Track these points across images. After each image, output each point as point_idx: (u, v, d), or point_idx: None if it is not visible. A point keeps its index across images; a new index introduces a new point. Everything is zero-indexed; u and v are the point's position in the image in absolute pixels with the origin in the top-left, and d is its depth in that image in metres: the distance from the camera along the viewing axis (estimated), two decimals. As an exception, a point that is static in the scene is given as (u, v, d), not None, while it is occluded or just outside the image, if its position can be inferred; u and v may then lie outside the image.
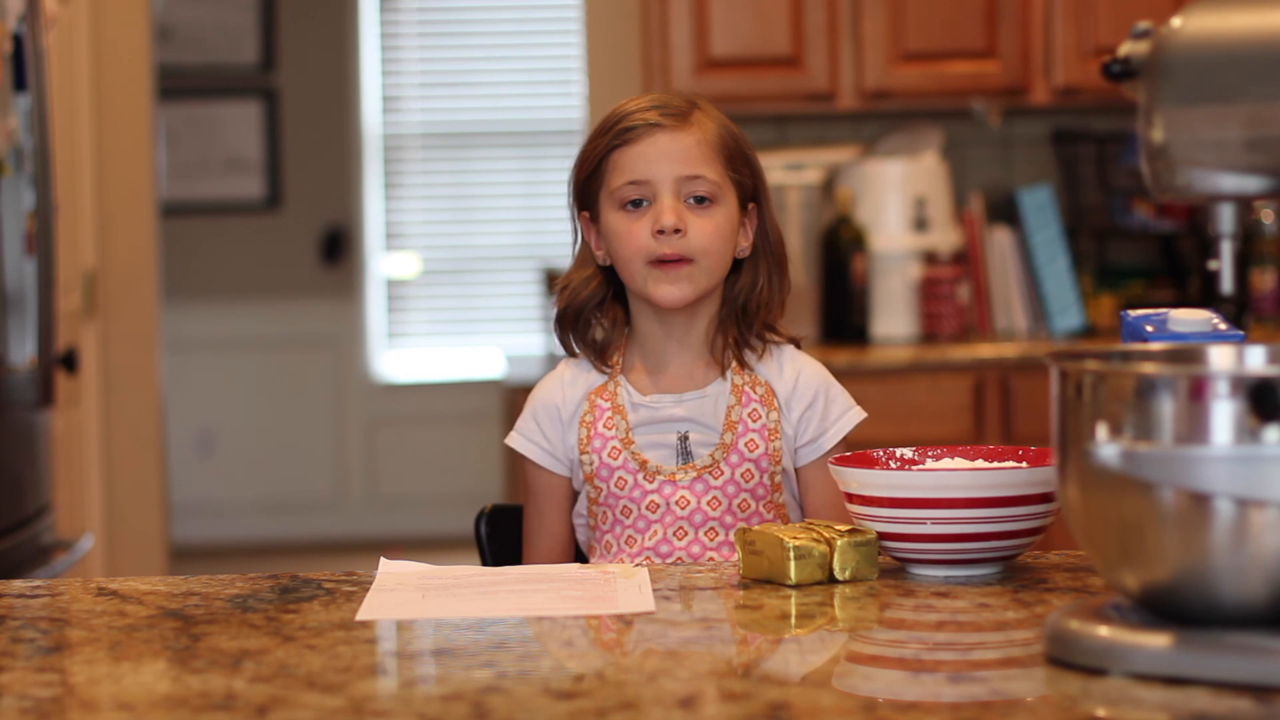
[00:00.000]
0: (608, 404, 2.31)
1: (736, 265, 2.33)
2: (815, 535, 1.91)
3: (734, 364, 2.31)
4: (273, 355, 8.01)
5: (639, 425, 2.30)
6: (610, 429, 2.30)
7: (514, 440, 2.36)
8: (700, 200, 2.27)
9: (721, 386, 2.31)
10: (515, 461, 2.49)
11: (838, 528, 1.93)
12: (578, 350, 2.36)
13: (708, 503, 2.27)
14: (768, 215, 2.35)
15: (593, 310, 2.35)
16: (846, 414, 2.33)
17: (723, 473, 2.27)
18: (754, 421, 2.29)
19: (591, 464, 2.30)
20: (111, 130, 5.27)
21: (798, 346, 2.37)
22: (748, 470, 2.28)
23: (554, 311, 2.38)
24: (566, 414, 2.33)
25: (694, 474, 2.27)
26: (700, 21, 4.80)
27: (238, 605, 1.83)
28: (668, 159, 2.27)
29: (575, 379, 2.35)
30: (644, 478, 2.28)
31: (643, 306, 2.32)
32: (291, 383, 8.02)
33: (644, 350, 2.34)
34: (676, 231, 2.25)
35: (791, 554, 1.89)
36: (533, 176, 8.10)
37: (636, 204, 2.28)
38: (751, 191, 2.33)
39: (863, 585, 1.89)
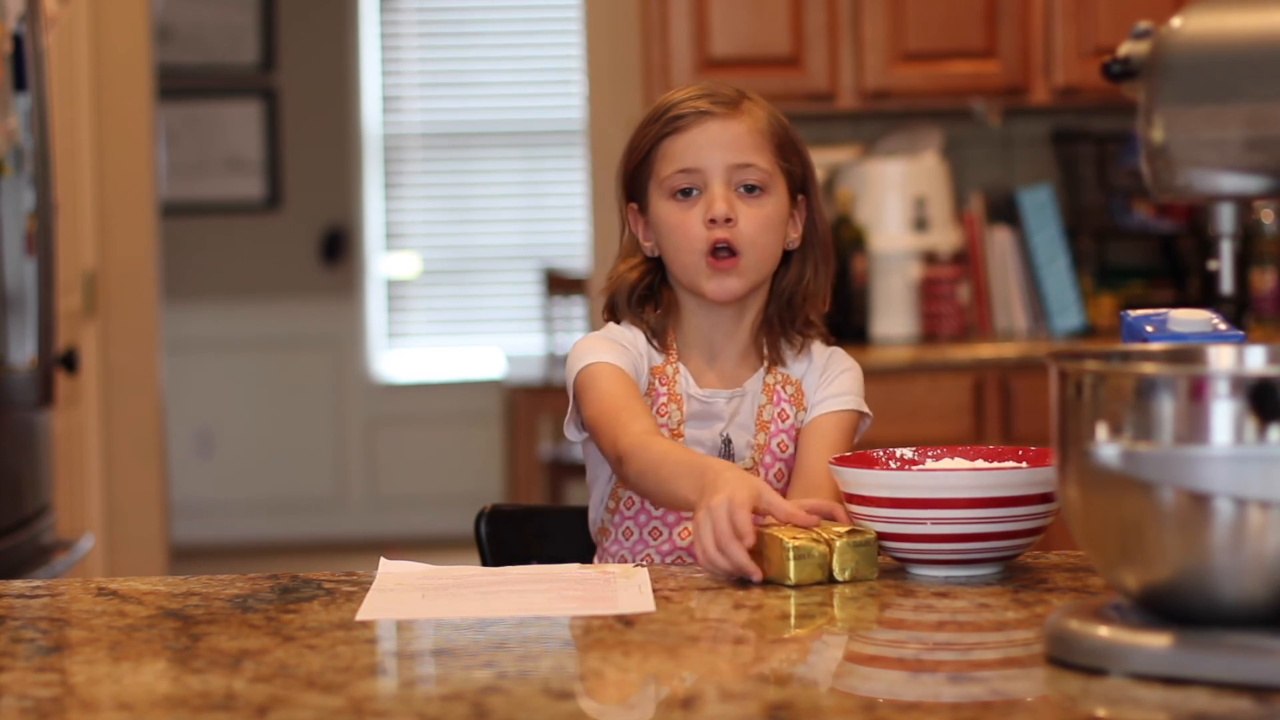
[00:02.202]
0: (665, 389, 2.28)
1: (786, 257, 2.31)
2: (815, 535, 1.91)
3: (770, 361, 2.30)
4: (273, 355, 8.01)
5: (689, 418, 2.28)
6: (663, 416, 2.27)
7: (592, 355, 2.24)
8: (751, 189, 2.25)
9: (756, 384, 2.29)
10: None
11: (837, 528, 1.93)
12: (635, 319, 2.29)
13: None
14: (816, 206, 2.33)
15: (640, 295, 2.30)
16: (857, 396, 2.31)
17: (759, 474, 2.26)
18: (783, 421, 2.28)
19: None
20: (111, 130, 5.27)
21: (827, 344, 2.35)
22: (780, 470, 2.27)
23: (603, 301, 2.36)
24: (643, 367, 2.25)
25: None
26: (700, 21, 4.80)
27: (238, 605, 1.83)
28: (719, 147, 2.25)
29: (633, 342, 2.27)
30: None
31: (689, 300, 2.29)
32: (291, 383, 8.02)
33: (691, 341, 2.30)
34: (728, 220, 2.23)
35: (791, 554, 1.88)
36: (533, 176, 8.10)
37: (686, 193, 2.25)
38: (801, 182, 2.31)
39: (863, 585, 1.89)
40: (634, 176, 2.31)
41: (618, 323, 2.32)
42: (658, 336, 2.29)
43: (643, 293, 2.31)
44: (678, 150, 2.26)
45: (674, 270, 2.29)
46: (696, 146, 2.25)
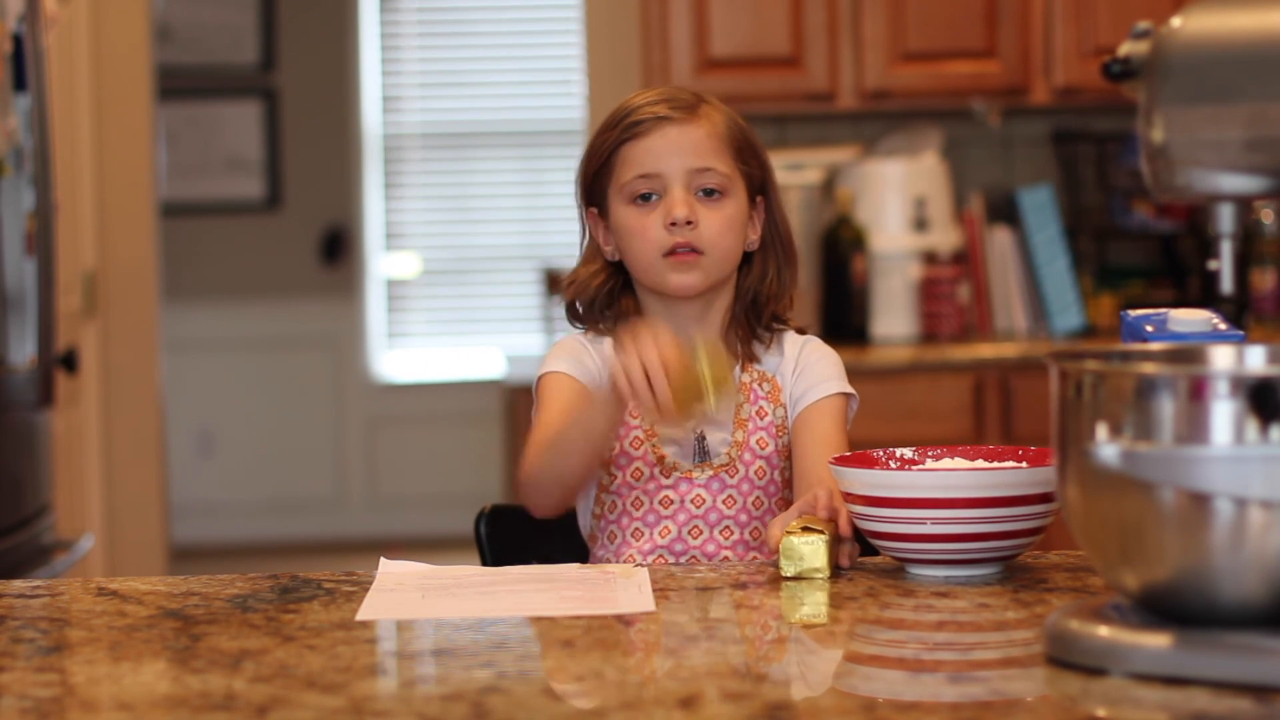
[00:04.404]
0: None
1: (746, 258, 2.33)
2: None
3: (743, 360, 2.31)
4: (273, 355, 8.01)
5: None
6: (635, 418, 2.29)
7: (555, 363, 2.29)
8: (710, 193, 2.27)
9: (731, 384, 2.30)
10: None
11: (795, 524, 1.93)
12: (603, 328, 2.32)
13: (723, 501, 2.26)
14: (776, 207, 2.35)
15: (602, 302, 2.33)
16: (840, 379, 2.31)
17: (738, 471, 2.27)
18: (761, 419, 2.29)
19: (612, 450, 2.29)
20: (111, 130, 5.27)
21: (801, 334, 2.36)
22: (760, 468, 2.28)
23: (562, 306, 2.38)
24: (604, 378, 2.28)
25: (710, 472, 2.27)
26: (700, 21, 4.80)
27: (238, 605, 1.83)
28: (678, 151, 2.27)
29: (599, 350, 2.31)
30: (660, 472, 2.27)
31: (654, 303, 2.32)
32: (291, 383, 8.02)
33: None
34: (689, 223, 2.25)
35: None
36: (533, 176, 8.10)
37: (646, 198, 2.27)
38: (760, 184, 2.33)
39: (862, 584, 1.89)
40: (593, 181, 2.33)
41: (581, 326, 2.34)
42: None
43: (604, 300, 2.33)
44: (637, 155, 2.28)
45: (636, 273, 2.31)
46: (655, 152, 2.27)
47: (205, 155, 7.91)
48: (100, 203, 5.24)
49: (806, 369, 2.31)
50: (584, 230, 2.37)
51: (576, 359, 2.30)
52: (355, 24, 7.96)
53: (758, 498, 2.28)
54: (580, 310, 2.35)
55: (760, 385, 2.31)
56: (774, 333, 2.34)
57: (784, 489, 2.29)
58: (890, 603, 1.82)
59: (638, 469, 2.28)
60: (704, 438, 2.29)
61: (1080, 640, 1.50)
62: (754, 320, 2.32)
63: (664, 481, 2.27)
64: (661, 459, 2.28)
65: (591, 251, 2.36)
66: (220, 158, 7.93)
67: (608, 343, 2.32)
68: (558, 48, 7.97)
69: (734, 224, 2.28)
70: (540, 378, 2.31)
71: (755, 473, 2.28)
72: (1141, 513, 1.45)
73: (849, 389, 2.31)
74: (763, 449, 2.29)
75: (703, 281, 2.27)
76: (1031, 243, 5.00)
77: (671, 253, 2.25)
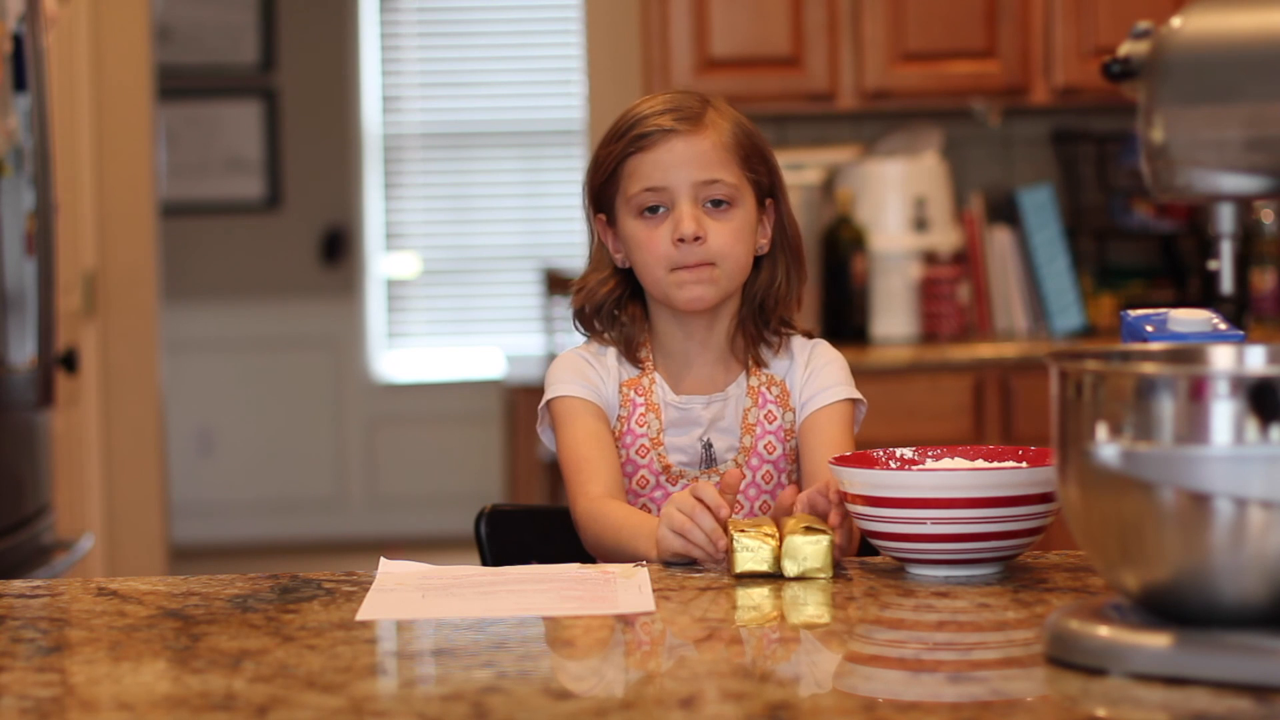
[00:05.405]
0: (642, 400, 2.29)
1: (755, 262, 2.32)
2: (769, 530, 1.93)
3: (751, 364, 2.30)
4: (273, 355, 8.01)
5: (669, 426, 2.29)
6: (642, 426, 2.28)
7: (566, 385, 2.29)
8: (718, 204, 2.26)
9: (739, 389, 2.30)
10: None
11: (795, 523, 1.94)
12: (608, 337, 2.32)
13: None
14: (785, 210, 2.34)
15: (610, 309, 2.33)
16: (847, 385, 2.31)
17: (744, 476, 2.26)
18: (770, 423, 2.29)
19: (619, 457, 2.28)
20: (111, 130, 5.27)
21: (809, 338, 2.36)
22: (767, 472, 2.28)
23: (570, 311, 2.37)
24: (608, 391, 2.29)
25: (716, 478, 2.26)
26: (700, 21, 4.80)
27: (238, 605, 1.83)
28: (684, 165, 2.25)
29: (602, 361, 2.31)
30: (666, 480, 2.27)
31: (663, 309, 2.31)
32: (291, 383, 8.02)
33: (665, 351, 2.32)
34: (696, 239, 2.23)
35: (737, 547, 1.91)
36: (533, 176, 8.10)
37: (654, 210, 2.26)
38: (768, 187, 2.31)
39: (862, 584, 1.89)
40: (600, 191, 2.31)
41: (587, 333, 2.34)
42: (630, 350, 2.31)
43: (612, 307, 2.32)
44: (644, 169, 2.26)
45: (646, 285, 2.30)
46: (663, 166, 2.25)
47: (205, 155, 7.91)
48: (100, 203, 5.24)
49: (814, 373, 2.31)
50: (592, 236, 2.36)
51: (582, 377, 2.29)
52: (355, 24, 7.96)
53: (764, 502, 2.27)
54: (588, 318, 2.34)
55: (769, 389, 2.30)
56: (782, 337, 2.33)
57: None
58: (890, 603, 1.82)
59: (643, 477, 2.28)
60: (711, 445, 2.28)
61: (1080, 640, 1.50)
62: (761, 324, 2.31)
63: (670, 489, 2.27)
64: (667, 467, 2.27)
65: (600, 258, 2.34)
66: (220, 158, 7.93)
67: (612, 353, 2.32)
68: (558, 48, 7.97)
69: (743, 233, 2.27)
70: (549, 402, 2.30)
71: (762, 477, 2.27)
72: (1141, 513, 1.45)
73: (857, 394, 2.31)
74: (770, 453, 2.28)
75: (714, 295, 2.26)
76: (1031, 243, 5.00)
77: (680, 268, 2.24)
